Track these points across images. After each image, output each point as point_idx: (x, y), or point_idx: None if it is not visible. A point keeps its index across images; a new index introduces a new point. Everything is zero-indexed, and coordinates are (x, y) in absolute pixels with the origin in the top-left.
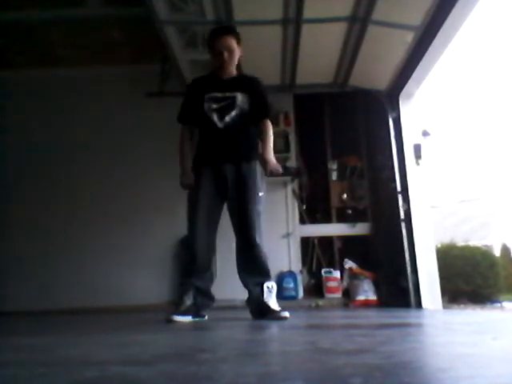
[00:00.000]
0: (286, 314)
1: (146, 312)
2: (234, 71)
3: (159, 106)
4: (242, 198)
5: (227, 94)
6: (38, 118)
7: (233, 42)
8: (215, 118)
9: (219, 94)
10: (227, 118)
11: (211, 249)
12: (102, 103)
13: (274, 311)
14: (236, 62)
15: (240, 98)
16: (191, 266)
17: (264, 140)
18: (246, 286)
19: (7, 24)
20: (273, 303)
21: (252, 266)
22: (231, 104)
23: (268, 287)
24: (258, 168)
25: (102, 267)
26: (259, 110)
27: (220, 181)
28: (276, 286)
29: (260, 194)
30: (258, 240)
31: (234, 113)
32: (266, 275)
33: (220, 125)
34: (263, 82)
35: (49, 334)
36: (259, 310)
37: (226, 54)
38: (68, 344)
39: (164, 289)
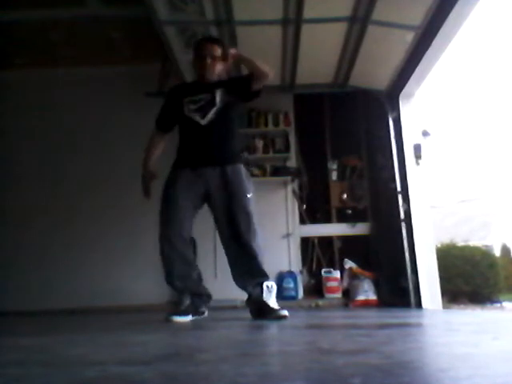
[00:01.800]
0: (286, 312)
1: (145, 312)
2: (215, 78)
3: (159, 106)
4: (230, 201)
5: (203, 95)
6: (38, 117)
7: (218, 51)
8: (197, 117)
9: (195, 98)
10: (209, 115)
11: (189, 248)
12: (101, 103)
13: (273, 310)
14: (217, 73)
15: (219, 93)
16: (175, 273)
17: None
18: (244, 288)
19: (7, 24)
20: (272, 302)
21: (249, 267)
22: (211, 101)
23: (268, 286)
24: (243, 169)
25: (101, 267)
26: (243, 78)
27: (200, 184)
28: (275, 286)
29: (248, 196)
30: (251, 241)
31: (215, 108)
32: (264, 275)
33: (203, 122)
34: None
35: (49, 334)
36: (259, 309)
37: (208, 60)
38: (68, 344)
39: (164, 289)
